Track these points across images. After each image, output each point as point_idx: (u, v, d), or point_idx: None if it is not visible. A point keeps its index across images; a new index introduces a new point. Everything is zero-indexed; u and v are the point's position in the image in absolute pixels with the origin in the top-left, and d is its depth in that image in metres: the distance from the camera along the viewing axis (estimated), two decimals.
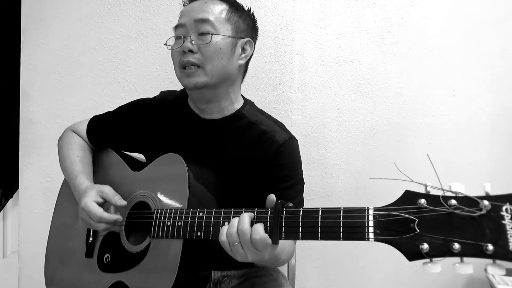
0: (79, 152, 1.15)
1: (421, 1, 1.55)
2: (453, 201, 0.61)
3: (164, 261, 0.91)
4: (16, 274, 1.68)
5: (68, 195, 1.13)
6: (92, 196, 0.99)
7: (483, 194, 0.60)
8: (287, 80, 1.58)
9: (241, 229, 0.78)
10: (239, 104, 1.10)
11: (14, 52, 1.64)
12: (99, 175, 1.15)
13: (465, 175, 1.58)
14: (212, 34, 0.97)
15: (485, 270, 0.59)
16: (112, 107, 1.22)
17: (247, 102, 1.12)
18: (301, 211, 0.76)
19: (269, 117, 1.12)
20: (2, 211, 1.86)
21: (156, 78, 1.60)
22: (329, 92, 1.59)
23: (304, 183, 1.10)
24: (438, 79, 1.57)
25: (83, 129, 1.20)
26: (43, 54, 1.63)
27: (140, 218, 1.01)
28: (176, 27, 1.03)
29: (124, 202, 1.00)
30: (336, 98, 1.59)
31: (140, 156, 1.21)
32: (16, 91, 1.65)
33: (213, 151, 1.06)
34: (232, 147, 1.05)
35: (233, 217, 0.83)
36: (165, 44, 1.05)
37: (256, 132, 1.05)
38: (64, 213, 1.17)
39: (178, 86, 1.12)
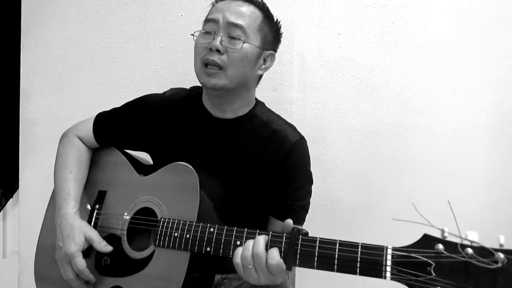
0: (74, 167, 1.10)
1: (421, 1, 1.55)
2: (470, 250, 0.63)
3: (169, 272, 0.90)
4: (16, 274, 1.68)
5: None
6: (77, 244, 0.97)
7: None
8: (287, 80, 1.58)
9: (256, 252, 0.78)
10: (251, 105, 1.10)
11: (14, 52, 1.64)
12: (101, 174, 1.13)
13: (465, 175, 1.58)
14: (244, 42, 0.97)
15: None
16: (112, 107, 1.21)
17: (258, 103, 1.13)
18: (318, 241, 0.76)
19: (279, 117, 1.13)
20: (2, 211, 1.86)
21: (156, 78, 1.60)
22: (329, 92, 1.59)
23: (312, 183, 1.11)
24: (438, 79, 1.57)
25: (88, 130, 1.16)
26: (43, 54, 1.63)
27: (143, 224, 1.00)
28: (207, 20, 1.01)
29: (110, 248, 0.99)
30: (336, 98, 1.59)
31: (144, 158, 1.20)
32: (16, 91, 1.65)
33: (224, 150, 1.06)
34: (243, 146, 1.05)
35: (246, 237, 0.83)
36: (192, 35, 1.03)
37: (268, 132, 1.06)
38: None
39: (178, 86, 1.12)
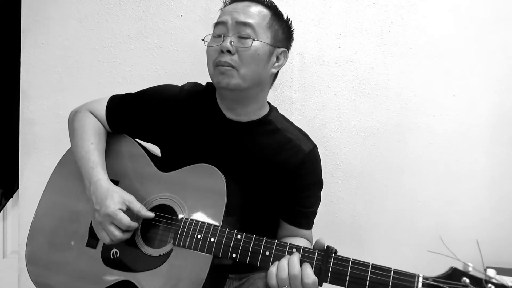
0: (94, 138, 1.07)
1: (421, 1, 1.55)
2: (492, 287, 0.70)
3: (188, 272, 0.90)
4: (16, 274, 1.68)
5: (69, 173, 1.08)
6: (117, 203, 0.95)
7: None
8: (287, 80, 1.58)
9: (293, 274, 0.80)
10: (265, 109, 1.10)
11: (14, 52, 1.64)
12: (114, 163, 1.09)
13: (465, 175, 1.58)
14: (253, 40, 0.97)
15: None
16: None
17: (272, 109, 1.13)
18: (350, 262, 0.80)
19: (293, 124, 1.13)
20: (2, 211, 1.86)
21: (156, 78, 1.60)
22: (329, 92, 1.59)
23: (323, 185, 1.14)
24: (438, 79, 1.57)
25: (101, 110, 1.13)
26: (43, 54, 1.63)
27: (161, 221, 0.98)
28: (216, 24, 1.02)
29: (152, 214, 0.97)
30: (336, 98, 1.59)
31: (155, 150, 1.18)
32: (16, 91, 1.65)
33: (236, 154, 1.05)
34: (256, 151, 1.05)
35: (276, 248, 0.86)
36: (202, 40, 1.03)
37: (282, 139, 1.06)
38: (62, 192, 1.11)
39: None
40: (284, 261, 0.82)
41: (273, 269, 0.82)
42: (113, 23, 1.61)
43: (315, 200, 1.11)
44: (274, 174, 1.04)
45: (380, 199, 1.60)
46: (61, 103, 1.64)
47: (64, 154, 1.16)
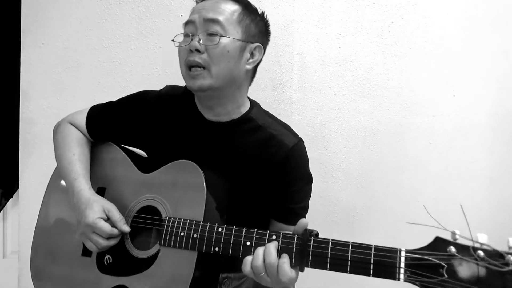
0: (76, 149, 1.09)
1: (421, 1, 1.55)
2: (481, 253, 0.65)
3: (176, 271, 0.90)
4: (16, 274, 1.68)
5: (60, 187, 1.10)
6: (97, 212, 0.96)
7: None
8: (287, 80, 1.58)
9: (268, 262, 0.79)
10: (245, 107, 1.08)
11: (14, 52, 1.64)
12: (99, 171, 1.11)
13: (465, 175, 1.58)
14: (220, 36, 0.95)
15: None
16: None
17: (253, 105, 1.10)
18: (330, 243, 0.78)
19: (276, 119, 1.11)
20: (2, 211, 1.86)
21: (156, 78, 1.60)
22: (329, 92, 1.59)
23: (312, 182, 1.10)
24: (438, 79, 1.57)
25: (82, 120, 1.13)
26: (43, 54, 1.63)
27: (147, 223, 0.99)
28: (185, 24, 1.00)
29: (128, 228, 0.98)
30: (336, 98, 1.59)
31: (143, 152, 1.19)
32: (16, 91, 1.65)
33: (219, 155, 1.04)
34: (239, 151, 1.04)
35: (256, 237, 0.84)
36: (173, 40, 1.02)
37: (264, 136, 1.04)
38: (56, 205, 1.13)
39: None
40: (260, 249, 0.81)
41: (249, 257, 0.81)
42: (113, 23, 1.61)
43: (304, 195, 1.07)
44: (260, 172, 1.02)
45: (380, 199, 1.60)
46: (61, 103, 1.64)
47: (56, 167, 1.17)
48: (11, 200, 1.84)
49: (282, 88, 1.59)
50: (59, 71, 1.64)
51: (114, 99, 1.20)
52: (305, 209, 1.08)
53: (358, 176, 1.60)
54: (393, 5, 1.56)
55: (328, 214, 1.60)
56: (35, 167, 1.65)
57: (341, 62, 1.58)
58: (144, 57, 1.61)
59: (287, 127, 1.10)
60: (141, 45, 1.61)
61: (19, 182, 1.67)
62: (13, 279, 1.70)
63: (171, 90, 1.14)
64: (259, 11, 1.06)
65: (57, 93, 1.64)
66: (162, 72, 1.60)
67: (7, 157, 1.74)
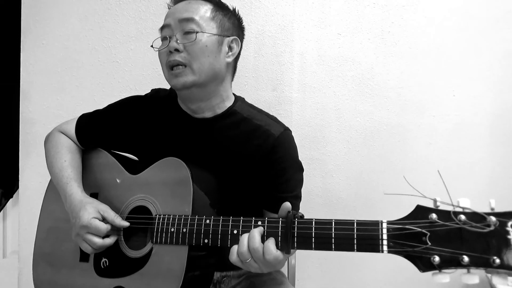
0: (67, 156, 1.11)
1: (421, 1, 1.55)
2: (463, 217, 0.65)
3: (169, 267, 0.91)
4: (16, 274, 1.68)
5: (56, 197, 1.11)
6: (91, 213, 0.96)
7: (487, 205, 0.66)
8: (287, 80, 1.58)
9: (252, 247, 0.79)
10: (230, 101, 1.09)
11: (14, 52, 1.65)
12: (91, 177, 1.12)
13: (465, 175, 1.58)
14: (197, 32, 0.97)
15: (486, 275, 0.64)
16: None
17: (238, 99, 1.12)
18: (313, 222, 0.78)
19: (261, 111, 1.12)
20: (2, 211, 1.86)
21: (156, 78, 1.60)
22: (329, 92, 1.59)
23: (303, 170, 1.10)
24: (438, 79, 1.57)
25: (71, 129, 1.16)
26: (43, 54, 1.63)
27: (139, 223, 1.00)
28: (162, 28, 1.04)
29: (127, 223, 0.98)
30: (336, 98, 1.59)
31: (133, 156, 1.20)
32: (16, 91, 1.65)
33: (207, 150, 1.05)
34: (226, 144, 1.05)
35: (243, 225, 0.84)
36: (152, 46, 1.04)
37: (250, 127, 1.05)
38: (53, 215, 1.15)
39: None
40: (244, 236, 0.81)
41: (235, 246, 0.82)
42: (113, 23, 1.61)
43: (295, 184, 1.07)
44: (249, 164, 1.03)
45: (380, 199, 1.60)
46: (61, 103, 1.64)
47: (51, 180, 1.18)
48: (11, 200, 1.84)
49: (282, 88, 1.59)
50: (59, 71, 1.64)
51: (114, 99, 1.20)
52: (298, 197, 1.08)
53: (358, 176, 1.60)
54: (393, 5, 1.56)
55: (328, 214, 1.60)
56: (35, 167, 1.65)
57: (341, 62, 1.58)
58: (144, 57, 1.61)
59: (272, 117, 1.10)
60: (141, 45, 1.61)
61: (19, 182, 1.67)
62: (13, 279, 1.70)
63: (156, 93, 1.17)
64: (230, 8, 1.08)
65: (57, 93, 1.64)
66: (162, 72, 1.60)
67: (7, 157, 1.75)
